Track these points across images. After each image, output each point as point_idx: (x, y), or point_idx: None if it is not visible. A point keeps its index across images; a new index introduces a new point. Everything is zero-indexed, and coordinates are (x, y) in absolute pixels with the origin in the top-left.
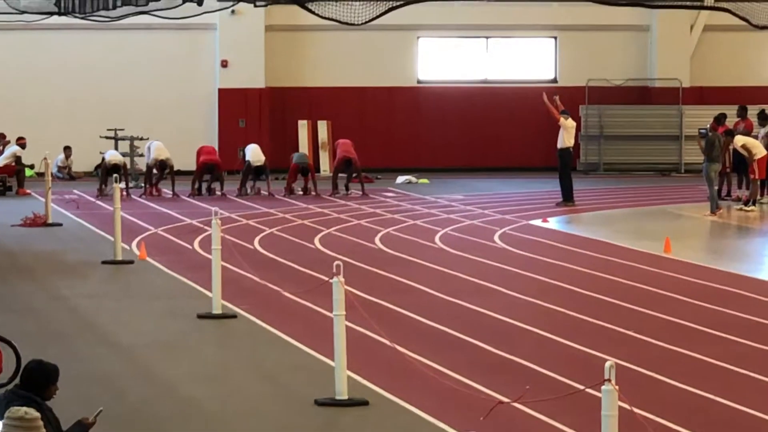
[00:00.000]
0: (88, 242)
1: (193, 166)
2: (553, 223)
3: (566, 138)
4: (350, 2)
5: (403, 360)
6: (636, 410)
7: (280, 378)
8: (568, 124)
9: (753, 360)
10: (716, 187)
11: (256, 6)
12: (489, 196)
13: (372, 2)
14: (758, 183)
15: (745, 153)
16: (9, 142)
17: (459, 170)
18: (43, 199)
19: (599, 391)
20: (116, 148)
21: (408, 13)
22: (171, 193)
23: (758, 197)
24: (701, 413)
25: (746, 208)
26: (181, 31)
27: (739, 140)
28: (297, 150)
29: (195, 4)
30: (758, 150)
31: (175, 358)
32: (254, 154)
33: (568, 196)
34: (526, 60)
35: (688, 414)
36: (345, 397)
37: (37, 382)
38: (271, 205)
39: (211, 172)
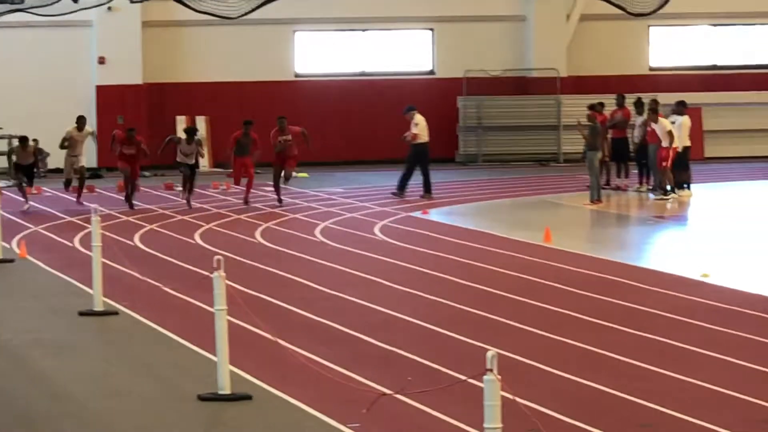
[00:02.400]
0: None
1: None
2: (433, 215)
3: (422, 132)
4: None
5: (285, 354)
6: (518, 399)
7: (162, 374)
8: (418, 119)
9: (633, 348)
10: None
11: (132, 2)
12: (369, 189)
13: None
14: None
15: (667, 140)
16: None
17: (338, 164)
18: None
19: (481, 381)
20: None
21: (284, 7)
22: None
23: (648, 185)
24: (584, 402)
25: (665, 197)
26: (59, 28)
27: (667, 125)
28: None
29: (71, 1)
30: (679, 139)
31: (56, 355)
32: None
33: (428, 188)
34: (403, 52)
35: (572, 402)
36: (228, 391)
37: None
38: (150, 201)
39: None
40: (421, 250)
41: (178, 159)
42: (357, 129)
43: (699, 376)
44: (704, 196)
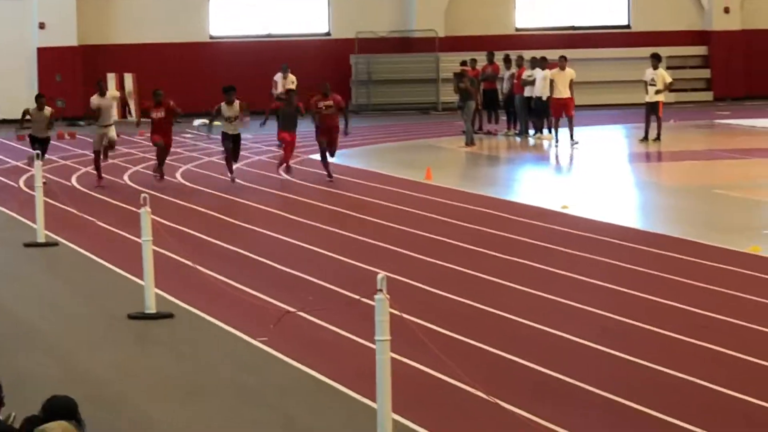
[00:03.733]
0: None
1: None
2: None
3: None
4: None
5: (204, 278)
6: (406, 316)
7: (96, 296)
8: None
9: (503, 270)
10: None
11: None
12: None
13: None
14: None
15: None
16: None
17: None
18: None
19: (373, 300)
20: None
21: None
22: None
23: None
24: (461, 316)
25: (543, 136)
26: None
27: (571, 74)
28: None
29: None
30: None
31: (2, 280)
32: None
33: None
34: (303, 16)
35: (451, 318)
36: (154, 310)
37: None
38: (85, 147)
39: None
40: (320, 188)
41: (223, 130)
42: (266, 85)
43: (558, 293)
44: (564, 138)
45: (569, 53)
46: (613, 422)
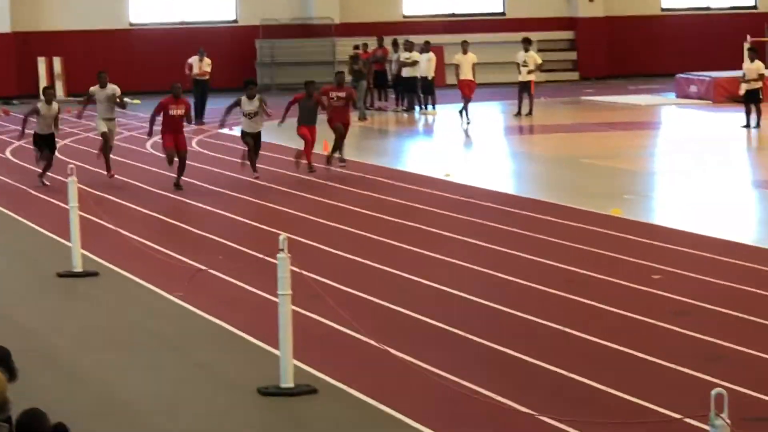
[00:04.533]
0: None
1: None
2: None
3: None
4: None
5: (124, 239)
6: (305, 272)
7: (27, 257)
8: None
9: (393, 232)
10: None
11: None
12: None
13: None
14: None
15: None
16: None
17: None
18: None
19: (275, 258)
20: None
21: None
22: None
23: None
24: (354, 273)
25: (428, 112)
26: None
27: (473, 58)
28: (38, 82)
29: None
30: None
31: None
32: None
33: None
34: (214, 3)
35: (346, 274)
36: (80, 269)
37: None
38: (17, 122)
39: None
40: (220, 156)
41: (243, 128)
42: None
43: (442, 252)
44: (446, 114)
45: (451, 38)
46: (491, 367)
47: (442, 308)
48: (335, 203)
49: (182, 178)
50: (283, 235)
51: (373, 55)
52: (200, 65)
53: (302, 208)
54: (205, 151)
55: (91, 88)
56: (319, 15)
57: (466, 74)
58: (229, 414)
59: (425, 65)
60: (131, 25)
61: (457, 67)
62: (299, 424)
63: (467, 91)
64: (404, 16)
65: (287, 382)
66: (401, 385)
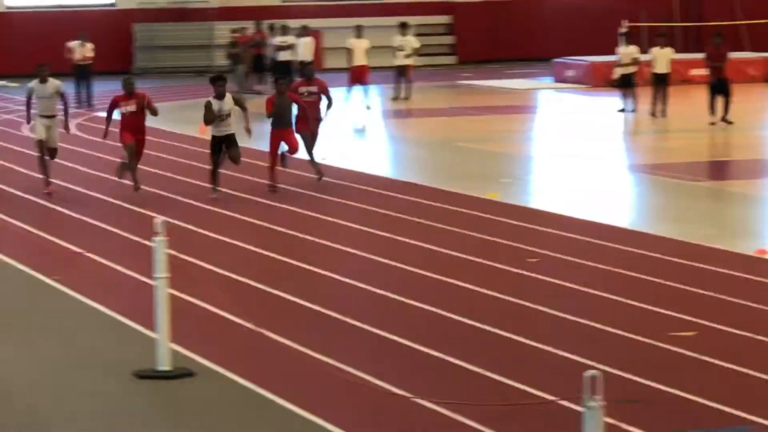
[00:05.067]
0: None
1: None
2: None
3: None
4: None
5: (4, 226)
6: (180, 255)
7: None
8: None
9: (275, 216)
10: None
11: None
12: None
13: None
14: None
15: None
16: None
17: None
18: None
19: (153, 242)
20: None
21: None
22: None
23: None
24: (240, 260)
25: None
26: None
27: (366, 43)
28: None
29: None
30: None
31: None
32: None
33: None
34: None
35: (216, 256)
36: None
37: None
38: None
39: None
40: (105, 142)
41: (212, 133)
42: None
43: (320, 235)
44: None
45: (329, 22)
46: (369, 350)
47: (321, 292)
48: (209, 186)
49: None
50: (159, 219)
51: (252, 40)
52: (82, 50)
53: (178, 191)
54: (82, 135)
55: (30, 84)
56: None
57: (360, 60)
58: (106, 397)
59: (303, 49)
60: (8, 8)
61: (349, 51)
62: (175, 406)
63: (362, 77)
64: (282, 1)
65: (164, 365)
66: (279, 368)
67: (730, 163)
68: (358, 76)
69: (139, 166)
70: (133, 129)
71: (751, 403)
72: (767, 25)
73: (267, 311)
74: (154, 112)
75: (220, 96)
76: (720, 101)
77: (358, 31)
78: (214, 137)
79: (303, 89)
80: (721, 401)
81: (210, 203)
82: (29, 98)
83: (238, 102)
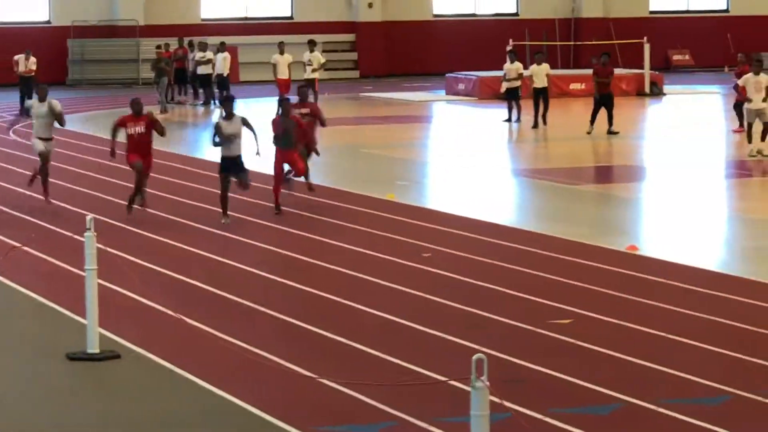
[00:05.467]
0: None
1: None
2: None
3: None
4: None
5: None
6: (110, 249)
7: None
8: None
9: (190, 213)
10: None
11: None
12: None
13: None
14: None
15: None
16: None
17: None
18: None
19: (83, 237)
20: None
21: None
22: None
23: None
24: (150, 249)
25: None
26: None
27: (288, 58)
28: None
29: None
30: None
31: None
32: None
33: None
34: (28, 5)
35: (145, 252)
36: None
37: None
38: None
39: None
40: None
41: (222, 154)
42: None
43: (237, 233)
44: (243, 107)
45: (245, 39)
46: (282, 334)
47: (234, 282)
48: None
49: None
50: (89, 216)
51: (174, 54)
52: (26, 63)
53: (105, 190)
54: (18, 139)
55: (29, 101)
56: (125, 17)
57: (283, 73)
58: (40, 378)
59: (221, 63)
60: None
61: (274, 66)
62: (103, 385)
63: (284, 89)
64: (202, 19)
65: (93, 348)
66: (198, 351)
67: (605, 168)
68: (282, 89)
69: (79, 170)
70: (141, 150)
71: (622, 383)
72: (637, 44)
73: (189, 300)
74: (162, 133)
75: (229, 116)
76: (604, 114)
77: (281, 47)
78: (222, 159)
79: (296, 111)
80: (594, 382)
81: (137, 202)
82: (28, 112)
83: (246, 124)
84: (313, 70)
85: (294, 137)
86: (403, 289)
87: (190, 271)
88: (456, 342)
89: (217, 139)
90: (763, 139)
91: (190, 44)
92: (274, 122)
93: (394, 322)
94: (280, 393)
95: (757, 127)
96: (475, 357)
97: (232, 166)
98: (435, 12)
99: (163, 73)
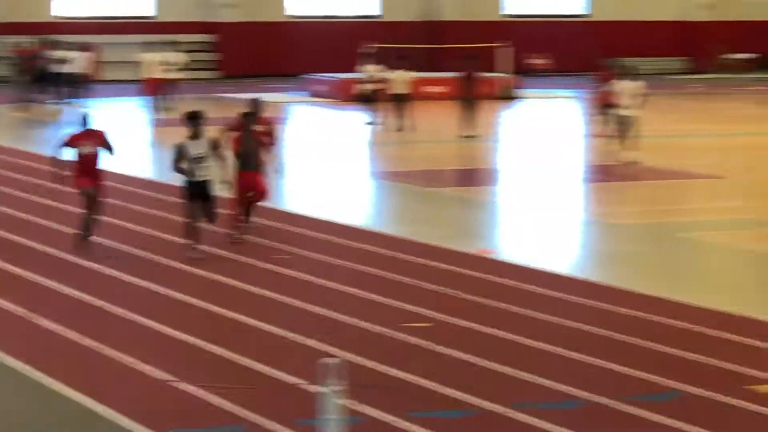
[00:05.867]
0: None
1: None
2: None
3: None
4: None
5: None
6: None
7: None
8: None
9: (60, 216)
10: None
11: None
12: None
13: None
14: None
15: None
16: None
17: None
18: None
19: None
20: None
21: None
22: None
23: None
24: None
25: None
26: None
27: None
28: None
29: None
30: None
31: None
32: None
33: None
34: None
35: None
36: None
37: None
38: None
39: None
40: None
41: (187, 178)
42: None
43: (102, 235)
44: (100, 106)
45: (104, 38)
46: (142, 340)
47: (97, 285)
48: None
49: None
50: None
51: (31, 53)
52: None
53: (26, 210)
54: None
55: None
56: None
57: (152, 72)
58: None
59: (82, 62)
60: None
61: (141, 65)
62: None
63: (156, 89)
64: (54, 17)
65: None
66: (50, 351)
67: (461, 172)
68: (154, 88)
69: None
70: (91, 172)
71: (477, 387)
72: (494, 48)
73: (45, 302)
74: (112, 151)
75: (195, 136)
76: (468, 116)
77: (149, 46)
78: (188, 184)
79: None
80: (449, 385)
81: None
82: None
83: (216, 145)
84: (178, 70)
85: (256, 157)
86: (262, 292)
87: (43, 270)
88: (311, 346)
89: (180, 164)
90: (624, 144)
91: (51, 43)
92: (234, 140)
93: (252, 326)
94: (136, 392)
95: (628, 133)
96: (329, 360)
97: (199, 192)
98: (288, 13)
99: (21, 72)
